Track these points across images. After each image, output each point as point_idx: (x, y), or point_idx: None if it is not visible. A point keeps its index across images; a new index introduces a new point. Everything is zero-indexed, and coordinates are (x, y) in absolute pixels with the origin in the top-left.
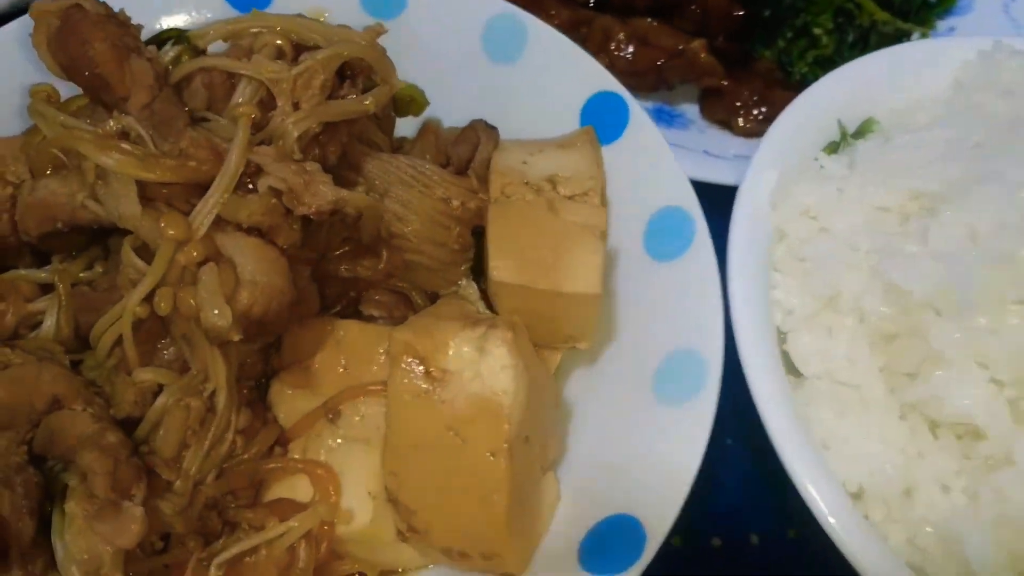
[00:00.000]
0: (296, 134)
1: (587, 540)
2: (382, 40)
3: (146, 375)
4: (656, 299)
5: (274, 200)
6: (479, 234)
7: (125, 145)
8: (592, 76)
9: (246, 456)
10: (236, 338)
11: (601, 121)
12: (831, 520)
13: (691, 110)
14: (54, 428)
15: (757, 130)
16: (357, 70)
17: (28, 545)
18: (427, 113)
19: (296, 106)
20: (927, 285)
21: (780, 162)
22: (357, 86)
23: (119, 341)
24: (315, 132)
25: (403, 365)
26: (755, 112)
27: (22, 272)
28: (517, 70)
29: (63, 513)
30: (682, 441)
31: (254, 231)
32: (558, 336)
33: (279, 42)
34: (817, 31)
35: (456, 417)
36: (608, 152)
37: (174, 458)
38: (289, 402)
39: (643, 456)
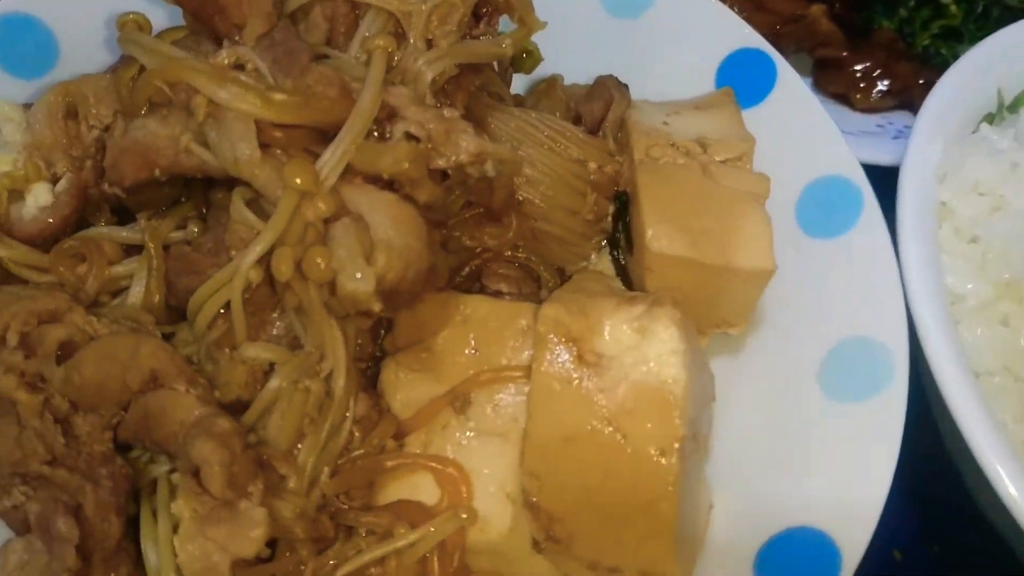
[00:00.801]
0: (431, 76)
1: (763, 555)
2: None
3: (256, 351)
4: (814, 280)
5: (422, 148)
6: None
7: (244, 78)
8: (730, 31)
9: (363, 450)
10: (377, 308)
11: (741, 82)
12: None
13: (803, 83)
14: (151, 411)
15: (879, 106)
16: (493, 7)
17: (112, 549)
18: (538, 71)
19: (430, 44)
20: None
21: (942, 134)
22: (493, 25)
23: (222, 312)
24: (449, 76)
25: (551, 347)
26: (877, 86)
27: (104, 230)
28: (641, 25)
29: (152, 512)
30: (868, 443)
31: (386, 185)
32: (712, 319)
33: None
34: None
35: (615, 409)
36: (750, 116)
37: (289, 451)
38: (406, 388)
39: (816, 459)
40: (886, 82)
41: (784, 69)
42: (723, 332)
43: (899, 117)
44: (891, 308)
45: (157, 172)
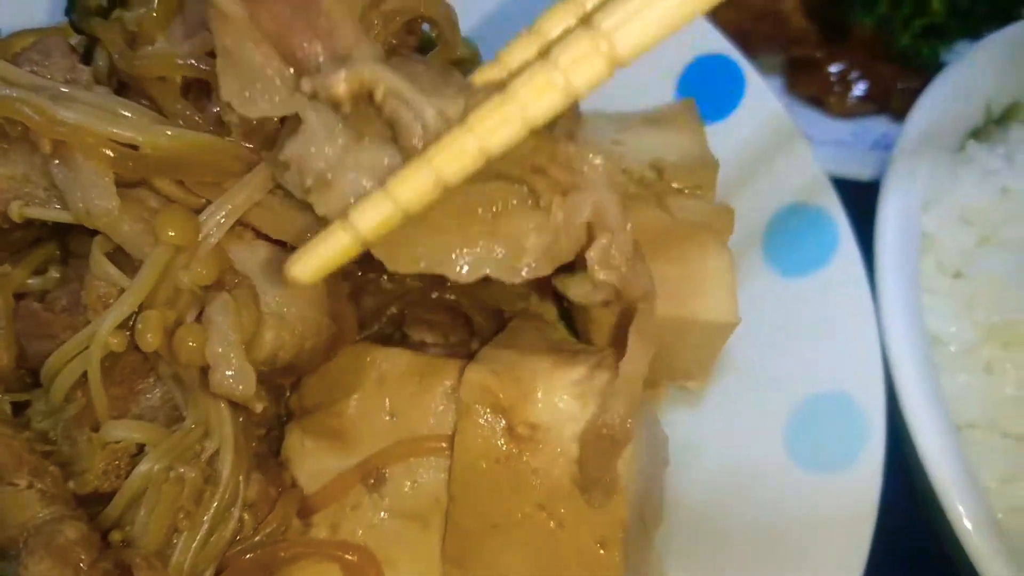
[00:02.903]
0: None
1: None
2: None
3: (121, 431)
4: (782, 325)
5: None
6: None
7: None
8: (696, 34)
9: (257, 539)
10: (259, 408)
11: (705, 92)
12: None
13: (774, 84)
14: None
15: (856, 110)
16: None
17: None
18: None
19: None
20: None
21: (927, 152)
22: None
23: (82, 381)
24: None
25: (478, 418)
26: (854, 90)
27: None
28: None
29: None
30: (836, 526)
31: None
32: (667, 371)
33: None
34: None
35: (550, 492)
36: (713, 132)
37: (160, 551)
38: (313, 459)
39: (783, 536)
40: (864, 85)
41: (753, 80)
42: (680, 386)
43: (875, 124)
44: (866, 360)
45: None
